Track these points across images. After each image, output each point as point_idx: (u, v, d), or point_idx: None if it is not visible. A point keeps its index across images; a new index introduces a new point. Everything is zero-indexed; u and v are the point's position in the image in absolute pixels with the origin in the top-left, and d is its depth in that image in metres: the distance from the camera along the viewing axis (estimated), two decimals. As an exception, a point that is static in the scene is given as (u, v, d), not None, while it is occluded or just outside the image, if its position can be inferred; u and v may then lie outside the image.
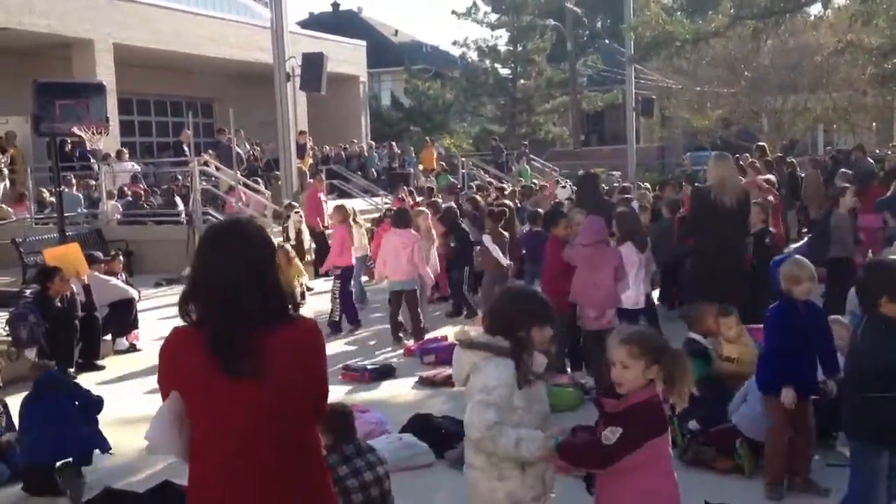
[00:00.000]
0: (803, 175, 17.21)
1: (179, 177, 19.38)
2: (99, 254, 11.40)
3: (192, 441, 2.80)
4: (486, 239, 10.77)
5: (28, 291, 11.19)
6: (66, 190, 15.85)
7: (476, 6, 39.20)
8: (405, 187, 18.80)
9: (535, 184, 20.97)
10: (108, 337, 10.23)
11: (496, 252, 10.59)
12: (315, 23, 43.94)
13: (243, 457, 2.73)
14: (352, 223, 11.74)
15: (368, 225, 14.46)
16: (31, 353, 9.02)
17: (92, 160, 18.71)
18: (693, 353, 6.40)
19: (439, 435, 6.52)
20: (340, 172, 24.50)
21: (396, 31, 52.27)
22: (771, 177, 12.16)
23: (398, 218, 10.77)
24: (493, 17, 39.49)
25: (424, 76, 41.24)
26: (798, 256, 5.66)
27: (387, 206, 17.84)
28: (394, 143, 30.13)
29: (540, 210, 11.99)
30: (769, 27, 19.51)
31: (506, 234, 11.01)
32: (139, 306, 10.77)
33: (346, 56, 31.16)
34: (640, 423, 3.47)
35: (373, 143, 30.18)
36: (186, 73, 27.31)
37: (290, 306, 2.85)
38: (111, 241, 15.76)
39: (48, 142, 12.33)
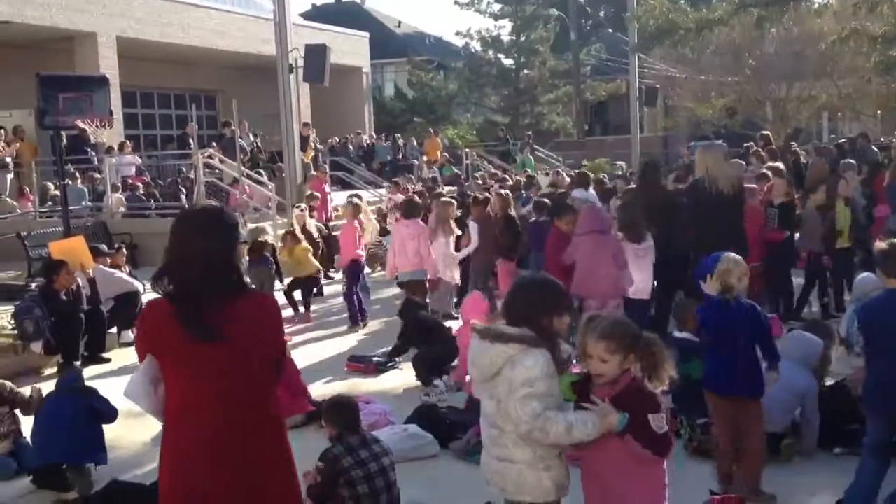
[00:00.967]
0: (806, 163, 17.16)
1: (184, 169, 19.38)
2: (104, 247, 11.42)
3: (168, 402, 3.21)
4: (472, 226, 10.96)
5: (33, 285, 11.23)
6: (71, 183, 15.87)
7: (479, -4, 39.12)
8: (408, 175, 18.82)
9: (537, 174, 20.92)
10: (114, 330, 10.25)
11: (473, 233, 10.77)
12: (318, 14, 43.88)
13: (215, 412, 3.15)
14: (363, 218, 11.73)
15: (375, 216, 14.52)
16: (36, 347, 9.06)
17: (92, 153, 18.71)
18: (686, 350, 6.38)
19: (444, 425, 6.53)
20: (344, 164, 24.49)
21: (399, 23, 52.15)
22: (780, 164, 12.12)
23: (407, 209, 10.80)
24: (497, 7, 39.40)
25: (428, 67, 41.16)
26: (731, 254, 5.35)
27: (388, 197, 17.84)
28: (398, 136, 30.10)
29: (546, 200, 11.98)
30: (773, 15, 19.42)
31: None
32: (144, 299, 10.79)
33: (349, 47, 31.12)
34: (642, 402, 3.58)
35: (373, 134, 30.13)
36: (190, 66, 27.30)
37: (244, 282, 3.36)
38: (115, 234, 15.77)
39: (52, 135, 12.34)
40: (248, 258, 11.74)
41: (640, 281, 8.26)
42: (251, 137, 22.57)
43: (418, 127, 36.63)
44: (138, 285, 10.53)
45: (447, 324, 9.43)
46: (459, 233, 11.41)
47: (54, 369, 9.14)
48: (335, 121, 29.87)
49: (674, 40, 21.88)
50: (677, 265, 8.66)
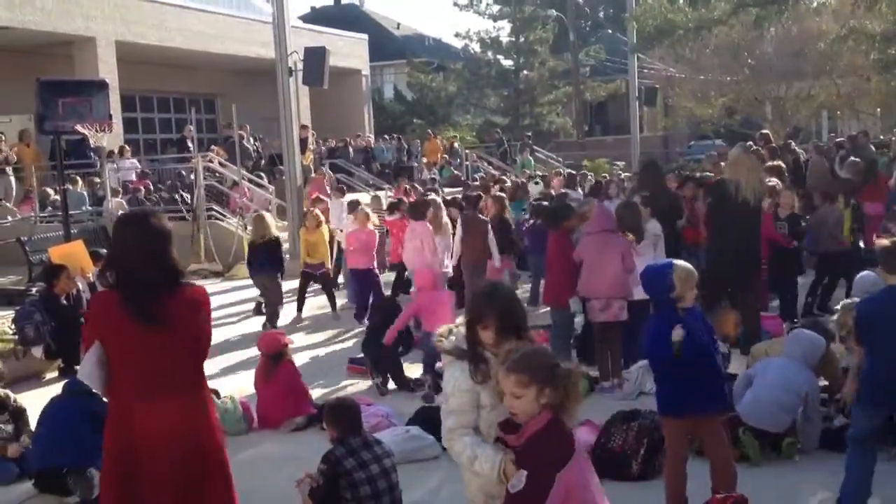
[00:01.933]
0: (806, 161, 17.16)
1: (184, 172, 19.38)
2: (103, 251, 11.42)
3: (115, 380, 3.63)
4: (458, 226, 10.90)
5: (34, 290, 11.24)
6: (71, 188, 15.87)
7: (478, -3, 39.14)
8: (407, 179, 18.82)
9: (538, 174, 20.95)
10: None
11: (457, 235, 10.76)
12: (317, 17, 43.93)
13: (158, 388, 3.61)
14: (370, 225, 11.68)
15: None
16: (37, 352, 9.07)
17: (95, 157, 18.72)
18: None
19: (446, 427, 6.52)
20: (344, 166, 24.49)
21: (398, 24, 52.19)
22: (781, 163, 12.12)
23: (413, 210, 10.81)
24: (495, 8, 39.41)
25: (427, 69, 41.15)
26: (683, 262, 4.94)
27: (389, 198, 17.83)
28: (400, 137, 30.10)
29: (544, 203, 11.98)
30: (772, 14, 19.39)
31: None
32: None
33: (349, 50, 31.13)
34: (544, 456, 3.31)
35: (371, 136, 30.12)
36: (189, 70, 27.30)
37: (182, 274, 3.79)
38: (116, 239, 15.77)
39: (52, 140, 12.34)
40: (248, 258, 11.70)
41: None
42: (252, 141, 22.60)
43: (418, 129, 36.65)
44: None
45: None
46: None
47: (55, 374, 9.15)
48: (335, 123, 29.86)
49: (673, 40, 21.87)
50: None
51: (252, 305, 12.27)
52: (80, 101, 11.36)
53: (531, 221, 11.91)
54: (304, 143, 20.16)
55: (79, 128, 11.83)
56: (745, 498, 4.82)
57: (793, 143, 18.38)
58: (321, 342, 10.48)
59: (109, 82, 13.58)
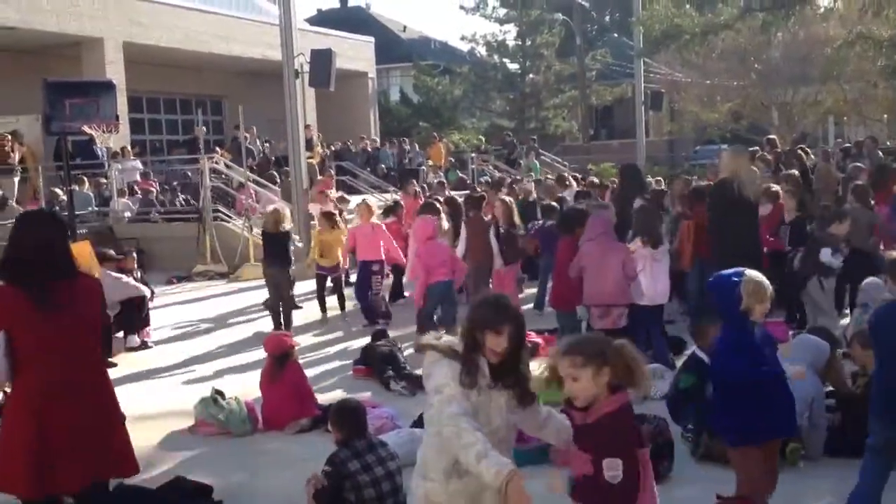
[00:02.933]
0: (813, 167, 17.11)
1: (190, 174, 19.38)
2: (111, 251, 11.42)
3: (19, 360, 4.06)
4: (463, 228, 10.92)
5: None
6: (77, 188, 15.90)
7: (484, 1, 39.16)
8: (414, 182, 18.81)
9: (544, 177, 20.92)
10: (120, 334, 10.27)
11: (462, 238, 10.77)
12: (323, 19, 43.96)
13: (60, 370, 4.09)
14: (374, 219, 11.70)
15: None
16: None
17: (103, 157, 18.77)
18: (685, 367, 6.30)
19: (450, 430, 6.51)
20: (349, 168, 24.52)
21: (405, 27, 52.21)
22: (796, 172, 12.05)
23: (424, 212, 10.81)
24: (502, 11, 39.44)
25: (433, 72, 41.19)
26: (755, 273, 4.57)
27: (384, 202, 17.85)
28: (405, 140, 30.12)
29: (555, 204, 11.97)
30: (779, 19, 19.38)
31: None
32: (151, 304, 10.81)
33: (355, 52, 31.16)
34: (627, 436, 3.33)
35: (375, 138, 30.13)
36: (196, 71, 27.37)
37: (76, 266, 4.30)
38: (122, 239, 15.81)
39: (58, 140, 12.38)
40: (263, 245, 11.57)
41: (661, 284, 8.24)
42: (258, 142, 22.64)
43: (423, 132, 36.69)
44: (145, 290, 10.54)
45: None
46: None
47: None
48: (340, 126, 29.91)
49: (679, 45, 21.84)
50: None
51: (257, 306, 12.21)
52: (87, 102, 11.38)
53: (540, 222, 11.89)
54: (308, 142, 20.21)
55: (85, 128, 11.87)
56: (749, 502, 4.81)
57: (799, 150, 18.32)
58: (328, 343, 10.48)
59: (116, 83, 13.63)
